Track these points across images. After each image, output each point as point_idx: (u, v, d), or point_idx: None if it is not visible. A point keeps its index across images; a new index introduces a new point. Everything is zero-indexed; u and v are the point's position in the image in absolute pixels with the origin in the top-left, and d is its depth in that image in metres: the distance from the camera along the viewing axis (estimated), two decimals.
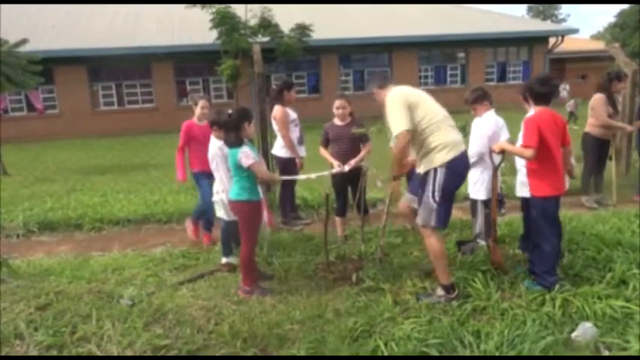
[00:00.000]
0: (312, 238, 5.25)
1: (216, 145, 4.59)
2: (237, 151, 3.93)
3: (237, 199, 4.07)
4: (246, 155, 3.92)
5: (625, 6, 22.98)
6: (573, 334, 3.26)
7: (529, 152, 3.70)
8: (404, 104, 3.60)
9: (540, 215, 3.82)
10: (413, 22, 22.04)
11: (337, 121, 5.23)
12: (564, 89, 20.40)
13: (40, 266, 4.81)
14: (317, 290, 4.07)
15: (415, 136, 3.67)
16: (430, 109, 3.70)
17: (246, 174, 3.99)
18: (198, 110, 5.39)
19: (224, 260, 4.68)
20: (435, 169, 3.63)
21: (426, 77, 22.22)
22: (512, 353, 3.01)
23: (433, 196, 3.64)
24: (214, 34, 17.11)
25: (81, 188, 8.67)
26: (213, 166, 4.60)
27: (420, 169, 3.80)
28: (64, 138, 17.62)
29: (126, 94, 19.87)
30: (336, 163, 5.05)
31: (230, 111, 4.02)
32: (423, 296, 3.80)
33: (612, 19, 23.72)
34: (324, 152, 5.29)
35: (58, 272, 4.62)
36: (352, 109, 5.25)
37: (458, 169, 3.70)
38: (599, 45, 23.27)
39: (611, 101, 6.50)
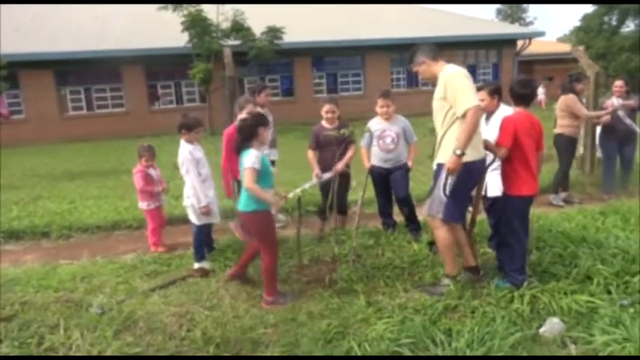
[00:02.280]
0: (285, 241, 5.23)
1: (186, 149, 4.55)
2: (244, 156, 3.81)
3: (245, 210, 3.87)
4: (248, 158, 3.74)
5: (589, 10, 23.73)
6: (541, 330, 3.34)
7: (502, 151, 3.78)
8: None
9: (515, 215, 3.88)
10: (385, 25, 22.25)
11: (326, 125, 5.18)
12: (542, 93, 20.82)
13: (5, 276, 4.67)
14: (290, 293, 4.07)
15: (441, 123, 3.69)
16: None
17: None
18: (243, 115, 4.92)
19: (196, 265, 4.64)
20: None
21: (398, 80, 22.46)
22: (482, 350, 3.07)
23: (444, 190, 3.62)
24: (186, 37, 16.95)
25: (48, 195, 8.44)
26: (183, 171, 4.56)
27: (437, 160, 3.77)
28: (30, 144, 17.15)
29: (95, 98, 19.46)
30: (315, 171, 5.08)
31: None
32: (431, 290, 3.85)
33: (577, 23, 24.42)
34: (311, 158, 5.21)
35: (24, 282, 4.49)
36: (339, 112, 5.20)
37: (473, 173, 3.71)
38: (565, 47, 23.91)
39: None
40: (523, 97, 3.93)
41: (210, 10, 16.95)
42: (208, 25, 16.70)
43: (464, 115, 3.54)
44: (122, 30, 19.87)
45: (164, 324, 3.61)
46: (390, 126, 5.10)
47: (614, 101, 6.81)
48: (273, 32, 17.47)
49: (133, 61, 18.34)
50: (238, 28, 17.22)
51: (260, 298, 3.98)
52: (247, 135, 3.83)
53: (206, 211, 4.56)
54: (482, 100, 4.41)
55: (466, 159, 3.55)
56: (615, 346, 3.04)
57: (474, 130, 3.53)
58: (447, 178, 3.59)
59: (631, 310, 3.38)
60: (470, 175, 3.69)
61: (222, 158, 5.18)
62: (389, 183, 5.20)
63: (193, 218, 4.61)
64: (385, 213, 5.38)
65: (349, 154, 5.08)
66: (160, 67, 19.37)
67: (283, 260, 4.70)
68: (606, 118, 6.80)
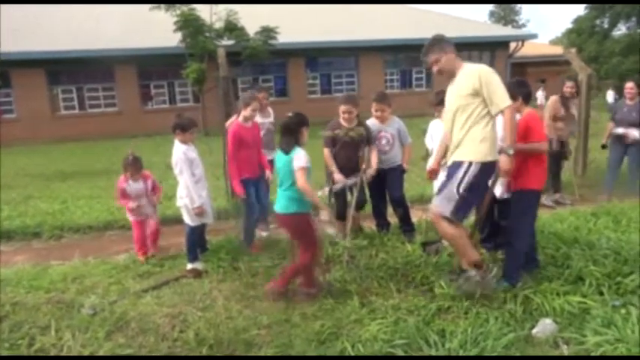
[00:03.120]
0: (279, 242, 5.22)
1: (180, 149, 4.52)
2: (289, 157, 3.73)
3: (285, 212, 3.81)
4: (299, 157, 3.70)
5: (581, 12, 23.90)
6: (534, 330, 3.35)
7: (545, 145, 3.89)
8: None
9: (523, 211, 3.86)
10: (379, 26, 22.31)
11: (344, 124, 5.02)
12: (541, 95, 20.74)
13: None
14: (284, 294, 4.05)
15: (464, 120, 3.58)
16: None
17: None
18: (248, 112, 4.98)
19: (189, 266, 4.61)
20: (470, 163, 3.53)
21: (391, 81, 22.52)
22: (475, 350, 3.08)
23: (458, 188, 3.55)
24: (178, 37, 16.89)
25: (40, 195, 8.38)
26: (176, 171, 4.53)
27: (454, 157, 3.67)
28: (22, 143, 17.02)
29: (87, 97, 19.35)
30: (334, 173, 4.93)
31: (290, 114, 3.85)
32: (461, 284, 3.74)
33: (570, 25, 24.61)
34: (328, 156, 5.01)
35: (15, 283, 4.44)
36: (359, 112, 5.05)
37: (488, 175, 3.68)
38: (558, 50, 24.06)
39: (565, 102, 6.73)
40: (528, 95, 4.00)
41: (203, 10, 16.90)
42: (201, 25, 16.65)
43: (487, 113, 3.52)
44: (115, 29, 19.75)
45: (157, 325, 3.58)
46: (386, 127, 5.10)
47: (636, 134, 6.64)
48: (267, 32, 17.46)
49: (126, 61, 18.26)
50: (232, 27, 17.18)
51: (253, 299, 3.97)
52: (292, 134, 3.77)
53: (199, 212, 4.54)
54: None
55: (488, 158, 3.54)
56: (607, 347, 3.06)
57: (515, 129, 3.55)
58: (464, 176, 3.54)
59: (623, 310, 3.39)
60: (489, 174, 3.68)
61: (227, 156, 5.08)
62: (384, 184, 5.20)
63: (186, 219, 4.58)
64: (379, 214, 5.39)
65: (374, 157, 4.97)
66: (152, 66, 19.30)
67: (277, 261, 4.70)
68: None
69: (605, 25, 22.96)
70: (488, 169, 3.60)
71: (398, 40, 21.15)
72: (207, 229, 5.16)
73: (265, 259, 4.73)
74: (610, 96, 22.31)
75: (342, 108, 4.96)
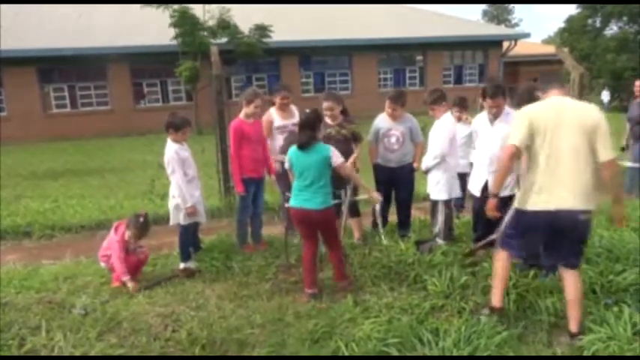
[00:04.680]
0: (273, 241, 5.21)
1: (172, 148, 4.49)
2: (322, 155, 3.82)
3: (327, 207, 3.91)
4: (336, 154, 3.87)
5: (573, 12, 24.02)
6: None
7: None
8: None
9: None
10: (373, 25, 22.29)
11: (329, 122, 4.96)
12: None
13: None
14: (277, 293, 4.05)
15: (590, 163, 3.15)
16: None
17: (328, 176, 3.89)
18: (250, 109, 4.89)
19: (182, 266, 4.58)
20: None
21: (385, 80, 22.53)
22: (468, 349, 3.08)
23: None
24: (171, 35, 16.79)
25: (31, 194, 8.30)
26: (169, 171, 4.49)
27: (581, 205, 3.15)
28: (13, 142, 16.85)
29: (80, 96, 19.20)
30: None
31: (307, 110, 3.93)
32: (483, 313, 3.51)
33: (562, 24, 24.74)
34: None
35: (5, 283, 4.39)
36: (345, 107, 5.00)
37: None
38: (550, 49, 24.16)
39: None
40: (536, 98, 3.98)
41: (195, 8, 16.82)
42: (196, 23, 16.58)
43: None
44: (107, 27, 19.62)
45: (149, 325, 3.56)
46: (396, 125, 4.99)
47: None
48: (261, 30, 17.40)
49: (118, 59, 18.12)
50: (225, 25, 17.11)
51: (247, 298, 3.95)
52: (313, 130, 3.85)
53: (192, 212, 4.50)
54: (498, 107, 4.31)
55: None
56: (599, 345, 3.07)
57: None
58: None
59: (615, 308, 3.41)
60: None
61: (230, 153, 5.01)
62: (392, 184, 5.12)
63: (179, 218, 4.55)
64: (381, 213, 5.32)
65: (356, 151, 4.93)
66: (145, 65, 19.18)
67: (270, 260, 4.68)
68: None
69: (598, 24, 23.08)
70: None
71: (391, 39, 21.17)
72: (200, 228, 5.13)
73: (259, 259, 4.71)
74: (605, 96, 22.42)
75: (324, 105, 4.91)
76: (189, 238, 4.69)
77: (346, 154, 4.94)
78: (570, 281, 3.27)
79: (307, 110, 3.94)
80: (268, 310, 3.75)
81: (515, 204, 3.39)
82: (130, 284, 4.23)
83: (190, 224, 4.66)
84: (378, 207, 4.94)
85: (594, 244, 4.49)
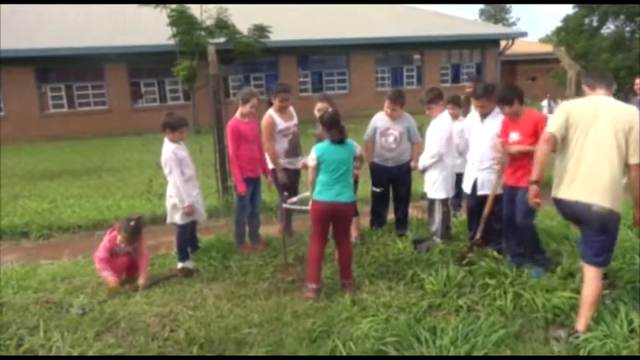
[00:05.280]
0: (271, 241, 5.21)
1: (169, 148, 4.49)
2: (350, 148, 4.00)
3: (353, 200, 4.17)
4: (358, 146, 4.15)
5: (570, 11, 24.03)
6: None
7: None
8: None
9: (525, 204, 3.78)
10: (370, 25, 22.29)
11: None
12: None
13: None
14: (275, 293, 4.05)
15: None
16: None
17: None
18: (247, 108, 4.87)
19: (180, 265, 4.58)
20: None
21: (383, 79, 22.53)
22: (465, 347, 3.09)
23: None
24: (168, 34, 16.76)
25: (28, 194, 8.29)
26: (166, 171, 4.49)
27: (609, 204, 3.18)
28: (10, 142, 16.82)
29: (77, 96, 19.16)
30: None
31: (330, 109, 4.07)
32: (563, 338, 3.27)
33: (559, 24, 24.74)
34: None
35: (3, 283, 4.39)
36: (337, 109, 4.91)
37: None
38: (548, 48, 24.21)
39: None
40: (521, 96, 4.04)
41: (193, 8, 16.80)
42: (194, 23, 16.56)
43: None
44: (104, 27, 19.59)
45: (147, 324, 3.56)
46: (395, 124, 4.99)
47: None
48: (259, 30, 17.39)
49: (116, 59, 18.10)
50: (222, 25, 17.10)
51: (245, 298, 3.96)
52: (337, 126, 3.96)
53: (189, 212, 4.50)
54: (483, 107, 4.38)
55: None
56: (596, 343, 3.08)
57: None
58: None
59: (612, 306, 3.42)
60: None
61: (229, 153, 4.96)
62: (389, 183, 5.14)
63: (176, 218, 4.55)
64: (378, 212, 5.34)
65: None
66: (142, 64, 19.15)
67: (268, 259, 4.68)
68: None
69: (595, 24, 23.11)
70: None
71: (389, 38, 21.17)
72: (198, 228, 5.14)
73: (257, 258, 4.71)
74: None
75: (319, 105, 4.92)
76: (187, 237, 4.69)
77: None
78: (587, 278, 3.29)
79: (330, 109, 4.14)
80: (266, 309, 3.75)
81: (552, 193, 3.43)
82: (109, 281, 4.30)
83: (188, 224, 4.66)
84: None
85: None
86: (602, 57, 20.55)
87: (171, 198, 4.52)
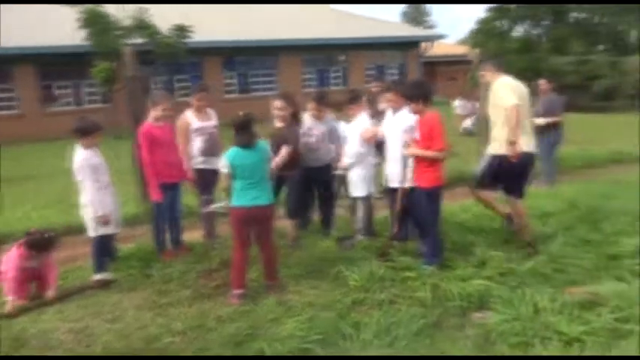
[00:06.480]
0: (194, 246, 5.09)
1: (81, 155, 4.26)
2: (260, 149, 3.97)
3: (273, 203, 4.14)
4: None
5: (484, 14, 25.49)
6: None
7: (442, 154, 4.10)
8: None
9: (427, 204, 4.15)
10: (296, 26, 22.38)
11: (277, 123, 4.90)
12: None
13: None
14: (199, 299, 3.96)
15: None
16: None
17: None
18: (159, 111, 4.73)
19: (96, 277, 4.36)
20: None
21: (309, 80, 22.70)
22: (387, 339, 3.19)
23: None
24: (83, 35, 15.89)
25: None
26: (79, 178, 4.26)
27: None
28: None
29: None
30: None
31: (241, 112, 3.96)
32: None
33: (474, 27, 26.17)
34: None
35: None
36: (297, 109, 4.95)
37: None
38: (465, 49, 25.51)
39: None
40: (427, 96, 4.20)
41: (111, 7, 16.04)
42: (108, 23, 15.78)
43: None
44: (11, 27, 18.21)
45: (60, 341, 3.38)
46: (318, 125, 5.03)
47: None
48: (181, 30, 16.91)
49: (24, 60, 16.91)
50: (143, 25, 16.45)
51: (167, 306, 3.84)
52: (249, 130, 3.93)
53: (104, 221, 4.29)
54: (393, 102, 4.65)
55: None
56: (506, 326, 3.29)
57: None
58: None
59: (519, 291, 3.66)
60: None
61: (143, 159, 4.74)
62: (313, 184, 5.15)
63: (91, 228, 4.32)
64: (302, 212, 5.37)
65: (281, 154, 4.76)
66: (54, 66, 18.00)
67: (191, 265, 4.56)
68: None
69: (505, 27, 24.72)
70: None
71: (316, 39, 21.38)
72: (116, 237, 4.91)
73: (179, 265, 4.57)
74: None
75: (274, 103, 4.89)
76: (104, 247, 4.47)
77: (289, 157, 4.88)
78: (514, 208, 4.69)
79: (241, 113, 3.97)
80: (189, 316, 3.66)
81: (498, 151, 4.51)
82: (9, 305, 3.92)
83: (108, 234, 4.44)
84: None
85: (503, 232, 4.79)
86: (510, 58, 21.99)
87: (86, 207, 4.29)
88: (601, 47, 23.97)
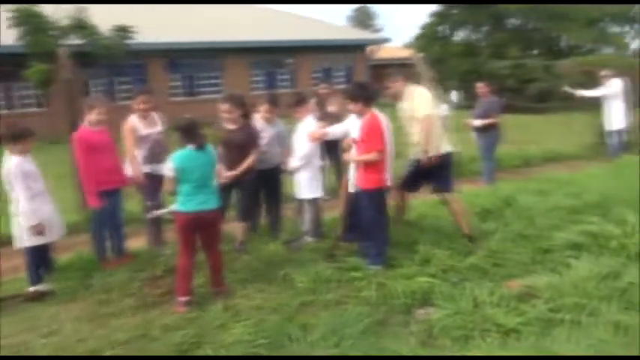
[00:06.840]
0: (139, 254, 4.94)
1: (12, 161, 4.04)
2: (210, 152, 3.93)
3: (219, 205, 4.09)
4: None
5: (427, 19, 26.26)
6: None
7: (379, 155, 4.15)
8: None
9: (370, 205, 4.21)
10: (242, 28, 22.19)
11: (228, 126, 4.81)
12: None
13: None
14: (143, 308, 3.85)
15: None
16: None
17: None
18: (93, 116, 4.56)
19: (32, 289, 4.14)
20: None
21: (257, 82, 22.56)
22: (334, 339, 3.22)
23: None
24: (14, 34, 15.05)
25: None
26: (8, 186, 4.03)
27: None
28: None
29: None
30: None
31: (187, 116, 3.91)
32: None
33: (419, 31, 26.91)
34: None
35: None
36: (249, 110, 4.90)
37: None
38: (411, 53, 26.13)
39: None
40: (369, 98, 4.28)
41: (47, 6, 15.29)
42: (43, 22, 15.03)
43: None
44: None
45: None
46: (268, 128, 5.02)
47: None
48: (122, 31, 16.36)
49: None
50: (81, 26, 15.78)
51: (108, 317, 3.70)
52: (198, 131, 3.87)
53: (38, 230, 4.09)
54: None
55: None
56: (447, 320, 3.40)
57: None
58: None
59: (460, 286, 3.80)
60: None
61: (79, 164, 4.58)
62: (261, 186, 5.11)
63: (24, 238, 4.11)
64: (251, 215, 5.31)
65: (249, 159, 4.75)
66: None
67: (135, 274, 4.43)
68: None
69: (447, 32, 25.59)
70: None
71: (263, 42, 21.29)
72: (54, 246, 4.68)
73: (122, 273, 4.42)
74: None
75: (221, 107, 4.80)
76: (39, 258, 4.25)
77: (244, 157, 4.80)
78: (451, 201, 5.01)
79: (186, 116, 3.92)
80: (132, 326, 3.56)
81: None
82: None
83: (44, 244, 4.23)
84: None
85: (447, 231, 4.94)
86: (452, 62, 22.76)
87: (17, 216, 4.07)
88: (536, 52, 25.25)
